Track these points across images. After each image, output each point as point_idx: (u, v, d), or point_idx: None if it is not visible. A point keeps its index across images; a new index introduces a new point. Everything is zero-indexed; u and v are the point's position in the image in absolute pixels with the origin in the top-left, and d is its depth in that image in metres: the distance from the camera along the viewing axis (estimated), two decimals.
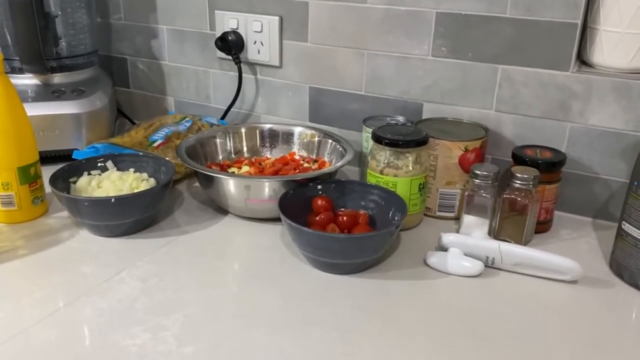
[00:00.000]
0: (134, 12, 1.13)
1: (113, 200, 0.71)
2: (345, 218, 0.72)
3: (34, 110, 0.90)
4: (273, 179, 0.74)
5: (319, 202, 0.73)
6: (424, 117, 0.91)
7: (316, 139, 0.90)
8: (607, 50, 0.77)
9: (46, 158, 0.93)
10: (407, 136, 0.75)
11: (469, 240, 0.69)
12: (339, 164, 0.78)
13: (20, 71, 0.95)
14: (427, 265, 0.70)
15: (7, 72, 0.94)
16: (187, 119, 1.03)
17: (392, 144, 0.74)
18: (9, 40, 0.95)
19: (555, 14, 0.77)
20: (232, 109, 1.07)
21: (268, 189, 0.74)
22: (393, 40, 0.89)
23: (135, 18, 1.13)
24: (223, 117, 1.08)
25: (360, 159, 0.91)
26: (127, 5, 1.13)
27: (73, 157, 0.90)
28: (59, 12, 1.00)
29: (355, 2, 0.90)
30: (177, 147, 0.83)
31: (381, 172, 0.75)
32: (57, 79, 0.98)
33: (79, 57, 1.03)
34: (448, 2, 0.83)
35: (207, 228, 0.78)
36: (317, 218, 0.71)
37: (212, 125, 1.03)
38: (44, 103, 0.93)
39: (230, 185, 0.75)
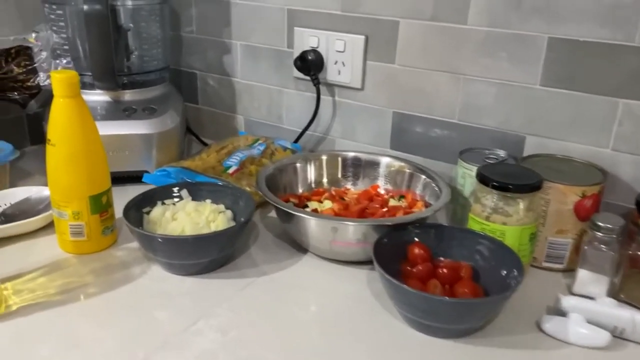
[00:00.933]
0: (206, 25, 1.08)
1: (190, 239, 0.65)
2: (445, 271, 0.63)
3: (104, 129, 0.84)
4: (365, 222, 0.66)
5: (417, 250, 0.65)
6: (525, 151, 0.81)
7: (406, 172, 0.82)
8: None
9: (114, 179, 0.88)
10: (519, 179, 0.66)
11: (595, 306, 0.60)
12: (437, 206, 0.70)
13: (91, 87, 0.91)
14: (542, 331, 0.60)
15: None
16: (259, 141, 0.96)
17: (502, 187, 0.65)
18: (81, 53, 0.92)
19: None
20: (306, 132, 1.01)
21: (357, 232, 0.66)
22: (494, 65, 0.80)
23: (208, 32, 1.08)
24: (297, 140, 1.01)
25: (453, 196, 0.82)
26: (200, 18, 1.08)
27: (143, 180, 0.86)
28: (131, 25, 0.95)
29: (453, 23, 0.82)
30: (257, 177, 0.76)
31: (487, 219, 0.67)
32: (128, 95, 0.94)
33: (150, 73, 0.99)
34: (564, 26, 0.74)
35: (286, 269, 0.71)
36: (415, 270, 0.63)
37: (285, 148, 0.96)
38: (114, 122, 0.89)
39: (315, 226, 0.68)
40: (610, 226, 0.64)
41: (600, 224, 0.64)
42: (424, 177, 0.79)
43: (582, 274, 0.67)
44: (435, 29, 0.83)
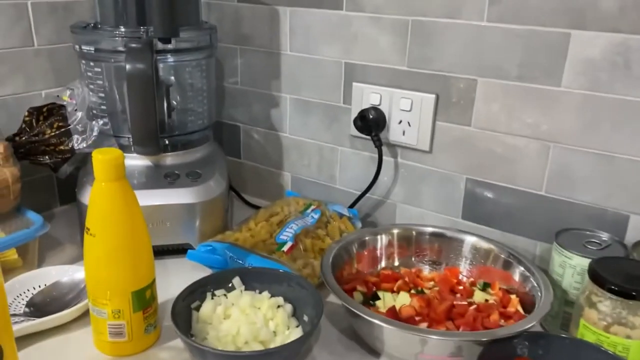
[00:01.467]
0: (253, 77, 0.99)
1: (251, 355, 0.55)
2: None
3: (143, 199, 0.75)
4: (460, 337, 0.55)
5: None
6: (629, 233, 0.70)
7: (495, 254, 0.70)
8: None
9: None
10: None
11: None
12: (541, 310, 0.58)
13: (129, 149, 0.82)
14: None
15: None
16: (312, 207, 0.87)
17: (626, 294, 0.54)
18: (120, 114, 0.83)
19: None
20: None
21: (450, 346, 0.55)
22: (593, 133, 0.70)
23: (254, 84, 0.99)
24: (352, 206, 0.91)
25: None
26: (245, 69, 1.00)
27: (187, 258, 0.76)
28: (173, 79, 0.87)
29: (543, 84, 0.71)
30: (322, 263, 0.66)
31: (606, 330, 0.55)
32: (170, 159, 0.85)
33: (195, 132, 0.90)
34: None
35: None
36: None
37: (341, 216, 0.86)
38: (154, 190, 0.79)
39: (397, 336, 0.57)
40: None
41: None
42: (521, 268, 0.67)
43: None
44: (521, 90, 0.73)
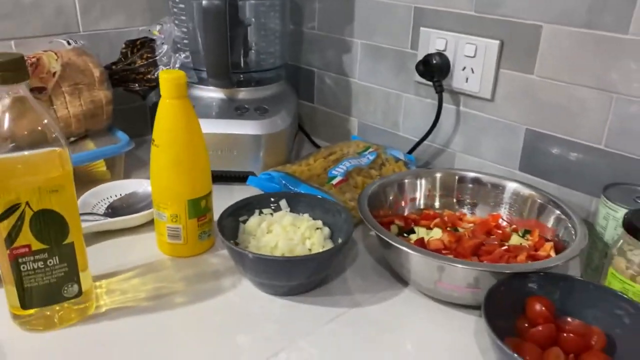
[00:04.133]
0: (329, 22, 1.02)
1: (278, 260, 0.61)
2: (572, 336, 0.52)
3: (215, 127, 0.85)
4: (477, 267, 0.57)
5: (538, 306, 0.54)
6: None
7: (537, 202, 0.70)
8: None
9: (221, 178, 0.87)
10: None
11: None
12: (568, 254, 0.58)
13: (207, 82, 0.90)
14: None
15: (194, 82, 0.92)
16: (370, 149, 0.90)
17: None
18: (200, 48, 0.91)
19: None
20: (422, 142, 0.92)
21: (468, 276, 0.57)
22: None
23: (330, 29, 1.03)
24: (411, 152, 0.93)
25: (590, 239, 0.69)
26: (322, 14, 1.03)
27: (247, 183, 0.83)
28: (253, 20, 0.93)
29: (610, 31, 0.68)
30: (360, 194, 0.70)
31: (633, 279, 0.54)
32: (243, 94, 0.91)
33: (267, 71, 0.96)
34: None
35: (382, 302, 0.64)
36: (534, 330, 0.53)
37: (397, 160, 0.88)
38: (225, 120, 0.87)
39: (417, 261, 0.60)
40: None
41: None
42: (557, 212, 0.67)
43: None
44: (587, 37, 0.70)
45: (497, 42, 0.79)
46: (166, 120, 0.65)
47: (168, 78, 0.63)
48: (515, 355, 0.46)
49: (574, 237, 0.61)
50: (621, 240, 0.56)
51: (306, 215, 0.71)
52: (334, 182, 0.80)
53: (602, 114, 0.71)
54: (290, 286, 0.63)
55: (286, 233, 0.67)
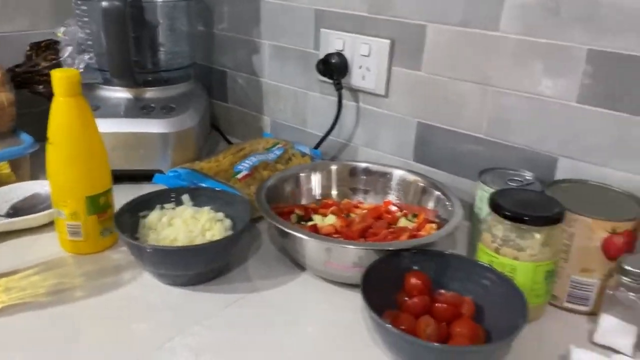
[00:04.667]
0: (238, 24, 1.05)
1: (173, 250, 0.63)
2: (444, 306, 0.57)
3: (121, 126, 0.86)
4: (357, 246, 0.61)
5: (413, 280, 0.59)
6: (557, 174, 0.73)
7: (420, 186, 0.76)
8: None
9: (129, 177, 0.88)
10: (536, 208, 0.59)
11: None
12: (441, 232, 0.63)
13: (113, 83, 0.91)
14: None
15: (100, 83, 0.92)
16: (278, 145, 0.93)
17: (515, 218, 0.58)
18: (103, 49, 0.91)
19: None
20: (328, 138, 0.96)
21: (352, 255, 0.61)
22: (527, 77, 0.73)
23: (239, 30, 1.06)
24: (317, 147, 0.97)
25: (472, 217, 0.75)
26: (231, 16, 1.06)
27: (154, 180, 0.84)
28: (160, 21, 0.94)
29: (483, 29, 0.75)
30: (258, 187, 0.73)
31: (497, 251, 0.60)
32: (150, 93, 0.93)
33: (174, 70, 0.97)
34: (607, 37, 0.65)
35: (280, 286, 0.67)
36: (409, 302, 0.58)
37: (304, 155, 0.92)
38: (131, 120, 0.88)
39: (307, 244, 0.63)
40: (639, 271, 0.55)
41: (627, 267, 0.56)
42: (437, 193, 0.73)
43: (606, 321, 0.59)
44: (465, 35, 0.77)
45: (388, 41, 0.84)
46: (59, 118, 0.66)
47: (60, 76, 0.64)
48: (387, 324, 0.51)
49: (450, 210, 0.67)
50: (489, 218, 0.62)
51: (207, 208, 0.73)
52: (239, 176, 0.82)
53: (481, 105, 0.78)
54: (189, 275, 0.65)
55: (186, 226, 0.69)
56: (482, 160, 0.79)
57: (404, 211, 0.76)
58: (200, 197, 0.75)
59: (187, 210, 0.72)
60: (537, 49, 0.71)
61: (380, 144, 0.91)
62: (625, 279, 0.56)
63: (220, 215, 0.72)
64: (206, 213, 0.72)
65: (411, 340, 0.50)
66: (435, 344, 0.50)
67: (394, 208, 0.77)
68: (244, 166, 0.85)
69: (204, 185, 0.80)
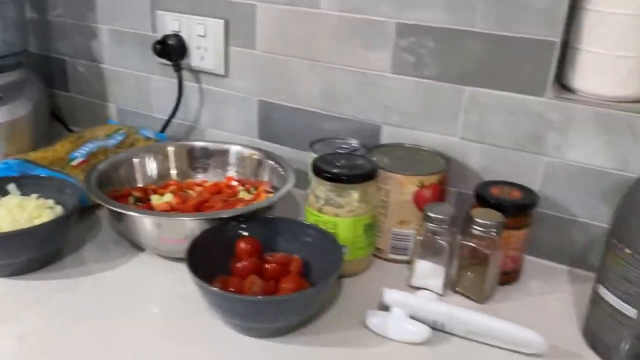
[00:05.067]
0: (73, 9, 1.01)
1: None
2: (273, 266, 0.61)
3: None
4: (186, 217, 0.63)
5: (242, 245, 0.62)
6: (382, 141, 0.79)
7: (255, 159, 0.79)
8: (590, 75, 0.66)
9: None
10: (351, 169, 0.64)
11: (414, 300, 0.58)
12: (270, 199, 0.67)
13: None
14: (367, 327, 0.58)
15: None
16: (121, 131, 0.91)
17: (333, 178, 0.63)
18: None
19: (530, 29, 0.65)
20: (175, 121, 0.96)
21: (181, 228, 0.62)
22: (349, 51, 0.78)
23: (75, 16, 1.01)
24: (163, 130, 0.96)
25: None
26: (65, 1, 1.01)
27: None
28: None
29: (307, 7, 0.79)
30: (88, 172, 0.71)
31: (320, 211, 0.64)
32: None
33: (3, 58, 0.91)
34: (411, 11, 0.72)
35: (116, 268, 0.66)
36: (238, 265, 0.60)
37: (148, 139, 0.91)
38: None
39: (139, 222, 0.63)
40: (441, 216, 0.62)
41: (430, 214, 0.63)
42: (272, 164, 0.76)
43: (419, 265, 0.65)
44: (291, 14, 0.80)
45: (222, 21, 0.86)
46: None
47: None
48: (203, 283, 0.52)
49: (283, 178, 0.71)
50: (313, 181, 0.66)
51: (34, 196, 0.70)
52: (74, 163, 0.80)
53: (313, 81, 0.82)
54: (17, 263, 0.62)
55: (12, 215, 0.66)
56: (317, 133, 0.83)
57: (246, 185, 0.79)
58: (27, 186, 0.72)
59: (12, 199, 0.69)
60: (354, 25, 0.76)
61: (226, 124, 0.93)
62: (430, 225, 0.63)
63: (51, 202, 0.70)
64: (33, 201, 0.69)
65: (225, 295, 0.52)
66: (244, 295, 0.53)
67: (235, 183, 0.79)
68: (80, 153, 0.82)
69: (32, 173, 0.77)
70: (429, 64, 0.73)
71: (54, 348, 0.53)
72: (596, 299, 0.56)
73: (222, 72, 0.89)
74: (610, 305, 0.53)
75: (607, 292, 0.54)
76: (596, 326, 0.56)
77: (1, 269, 0.63)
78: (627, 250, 0.51)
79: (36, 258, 0.64)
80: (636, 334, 0.52)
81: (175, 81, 0.95)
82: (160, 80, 0.97)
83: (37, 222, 0.67)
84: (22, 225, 0.65)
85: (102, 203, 0.64)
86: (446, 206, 0.64)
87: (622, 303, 0.52)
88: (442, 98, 0.73)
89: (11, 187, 0.71)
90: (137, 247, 0.70)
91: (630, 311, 0.52)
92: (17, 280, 0.63)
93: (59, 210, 0.70)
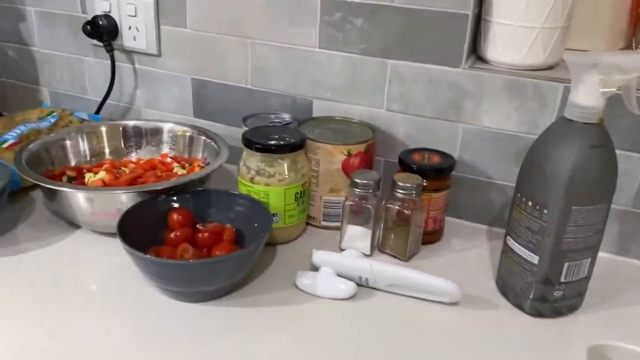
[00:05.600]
0: None
1: None
2: (206, 235, 0.63)
3: None
4: (117, 191, 0.64)
5: (175, 216, 0.64)
6: (314, 115, 0.82)
7: (188, 135, 0.80)
8: (501, 45, 0.71)
9: None
10: (281, 140, 0.66)
11: (340, 259, 0.62)
12: (201, 172, 0.68)
13: None
14: (297, 287, 0.62)
15: None
16: (54, 113, 0.90)
17: (263, 149, 0.65)
18: None
19: (445, 3, 0.69)
20: (110, 102, 0.96)
21: (115, 202, 0.63)
22: (277, 28, 0.80)
23: None
24: (97, 112, 0.96)
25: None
26: None
27: None
28: None
29: None
30: (17, 152, 0.71)
31: (251, 181, 0.67)
32: None
33: None
34: None
35: (50, 245, 0.67)
36: (170, 236, 0.62)
37: (82, 121, 0.91)
38: None
39: (71, 198, 0.64)
40: (366, 181, 0.66)
41: (356, 180, 0.66)
42: (206, 139, 0.78)
43: (350, 229, 0.69)
44: None
45: (152, 0, 0.86)
46: None
47: None
48: (137, 252, 0.54)
49: (216, 152, 0.73)
50: (244, 153, 0.68)
51: None
52: (5, 145, 0.79)
53: (243, 58, 0.84)
54: None
55: None
56: (251, 109, 0.85)
57: (181, 162, 0.80)
58: None
59: None
60: (282, 2, 0.78)
61: (162, 104, 0.93)
62: (357, 190, 0.66)
63: None
64: None
65: (156, 260, 0.54)
66: (175, 260, 0.55)
67: (169, 160, 0.80)
68: (11, 135, 0.82)
69: None
70: (354, 39, 0.76)
71: None
72: (506, 250, 0.61)
73: (154, 51, 0.89)
74: (516, 254, 0.59)
75: (513, 242, 0.59)
76: (506, 275, 0.61)
77: None
78: (529, 203, 0.56)
79: None
80: (539, 278, 0.57)
81: (108, 62, 0.94)
82: (93, 62, 0.96)
83: None
84: None
85: (35, 181, 0.64)
86: (372, 172, 0.68)
87: (526, 251, 0.57)
88: (368, 72, 0.77)
89: None
90: (73, 224, 0.71)
91: (533, 258, 0.57)
92: None
93: None
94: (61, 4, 0.94)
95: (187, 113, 0.92)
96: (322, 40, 0.78)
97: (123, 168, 0.76)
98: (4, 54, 1.04)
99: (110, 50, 0.90)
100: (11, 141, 0.80)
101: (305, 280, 0.61)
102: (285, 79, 0.82)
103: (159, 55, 0.90)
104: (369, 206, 0.67)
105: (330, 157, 0.70)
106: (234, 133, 0.86)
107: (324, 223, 0.74)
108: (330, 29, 0.77)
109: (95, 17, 0.89)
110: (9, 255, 0.65)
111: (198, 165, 0.77)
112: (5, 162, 0.75)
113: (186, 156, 0.80)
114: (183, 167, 0.78)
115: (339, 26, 0.76)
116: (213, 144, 0.76)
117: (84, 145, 0.79)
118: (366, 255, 0.67)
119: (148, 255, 0.54)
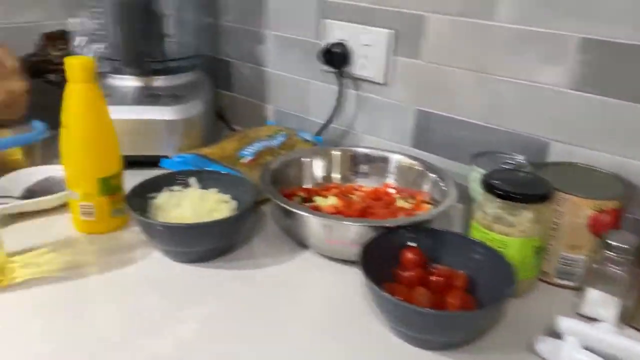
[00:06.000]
0: (243, 15, 1.08)
1: (182, 227, 0.66)
2: (438, 278, 0.61)
3: (129, 114, 0.89)
4: (358, 223, 0.65)
5: (409, 255, 0.62)
6: (549, 158, 0.76)
7: (416, 169, 0.79)
8: None
9: (137, 162, 0.91)
10: (526, 187, 0.62)
11: (593, 331, 0.55)
12: (435, 211, 0.67)
13: (122, 72, 0.94)
14: (535, 353, 0.56)
15: (110, 72, 0.95)
16: (282, 132, 0.96)
17: (506, 196, 0.61)
18: (114, 39, 0.95)
19: None
20: (331, 125, 1.00)
21: (351, 232, 0.64)
22: (521, 65, 0.76)
23: (244, 21, 1.09)
24: (319, 134, 1.00)
25: (467, 199, 0.78)
26: (236, 7, 1.09)
27: (160, 165, 0.88)
28: (166, 13, 0.97)
29: (480, 18, 0.78)
30: (263, 169, 0.76)
31: (489, 228, 0.63)
32: (158, 82, 0.96)
33: (182, 60, 1.01)
34: (598, 25, 0.68)
35: (283, 264, 0.70)
36: (405, 274, 0.61)
37: (306, 141, 0.95)
38: (139, 107, 0.91)
39: (308, 223, 0.67)
40: (623, 246, 0.59)
41: (611, 242, 0.59)
42: (433, 176, 0.76)
43: (591, 294, 0.62)
44: (462, 25, 0.79)
45: (388, 31, 0.87)
46: (73, 103, 0.69)
47: (73, 63, 0.67)
48: (384, 293, 0.54)
49: (447, 197, 0.70)
50: (481, 198, 0.65)
51: (214, 190, 0.76)
52: (244, 160, 0.86)
53: (477, 92, 0.81)
54: (196, 252, 0.68)
55: (194, 207, 0.73)
56: (478, 145, 0.81)
57: (403, 194, 0.79)
58: (206, 180, 0.78)
59: (195, 192, 0.75)
60: (531, 38, 0.74)
61: (380, 131, 0.94)
62: (610, 254, 0.59)
63: (227, 197, 0.76)
64: (214, 195, 0.75)
65: (406, 306, 0.53)
66: (428, 309, 0.53)
67: (392, 191, 0.80)
68: (249, 151, 0.88)
69: (210, 168, 0.84)
70: (613, 82, 0.68)
71: (231, 333, 0.58)
72: None
73: (381, 80, 0.91)
74: None
75: None
76: None
77: (183, 256, 0.69)
78: None
79: (213, 249, 0.69)
80: None
81: (333, 87, 0.98)
82: (319, 85, 1.01)
83: (215, 215, 0.72)
84: (203, 217, 0.71)
85: (278, 202, 0.68)
86: (627, 234, 0.60)
87: None
88: (626, 118, 0.69)
89: (192, 180, 0.78)
90: (302, 245, 0.74)
91: None
92: (198, 267, 0.68)
93: (233, 204, 0.75)
94: (298, 29, 1.00)
95: (405, 142, 0.92)
96: (575, 80, 0.72)
97: (350, 195, 0.78)
98: (240, 72, 1.14)
99: (341, 77, 0.93)
100: (249, 158, 0.87)
101: (546, 346, 0.56)
102: (521, 118, 0.78)
103: (385, 84, 0.91)
104: (621, 272, 0.59)
105: (577, 211, 0.64)
106: (454, 167, 0.84)
107: (556, 280, 0.68)
108: (586, 69, 0.70)
109: (331, 45, 0.93)
110: (248, 269, 0.69)
111: (421, 201, 0.76)
112: (244, 175, 0.81)
113: (410, 189, 0.79)
114: (406, 200, 0.78)
115: (597, 67, 0.69)
116: (441, 182, 0.74)
117: (318, 168, 0.83)
118: (609, 324, 0.60)
119: (396, 299, 0.53)
